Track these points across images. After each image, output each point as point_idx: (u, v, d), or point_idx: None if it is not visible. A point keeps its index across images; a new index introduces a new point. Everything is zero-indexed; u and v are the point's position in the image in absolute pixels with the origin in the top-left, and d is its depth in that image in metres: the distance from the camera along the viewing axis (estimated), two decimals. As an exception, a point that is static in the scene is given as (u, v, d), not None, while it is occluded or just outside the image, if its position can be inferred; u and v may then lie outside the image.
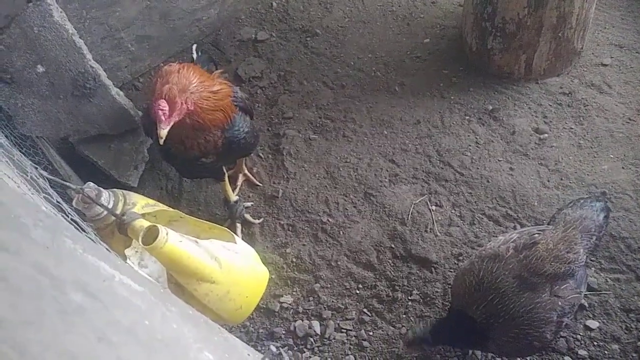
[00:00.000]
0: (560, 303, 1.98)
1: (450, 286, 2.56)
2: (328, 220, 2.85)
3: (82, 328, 0.54)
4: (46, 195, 1.56)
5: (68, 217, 1.59)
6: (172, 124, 2.14)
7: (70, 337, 0.51)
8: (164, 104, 2.10)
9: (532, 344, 1.99)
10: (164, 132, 2.12)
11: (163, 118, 2.11)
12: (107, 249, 1.55)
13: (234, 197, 2.85)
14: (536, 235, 2.09)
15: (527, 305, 1.95)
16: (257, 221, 2.89)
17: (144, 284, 0.93)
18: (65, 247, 0.72)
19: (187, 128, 2.28)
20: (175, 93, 2.13)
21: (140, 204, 2.15)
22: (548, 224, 2.24)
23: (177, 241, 1.87)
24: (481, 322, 2.01)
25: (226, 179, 2.81)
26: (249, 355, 1.33)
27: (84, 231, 1.66)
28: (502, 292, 1.98)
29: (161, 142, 2.15)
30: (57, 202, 1.58)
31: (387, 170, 2.97)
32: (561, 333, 2.29)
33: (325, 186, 2.97)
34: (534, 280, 1.98)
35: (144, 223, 1.89)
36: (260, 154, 3.14)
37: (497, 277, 2.01)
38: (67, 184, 1.75)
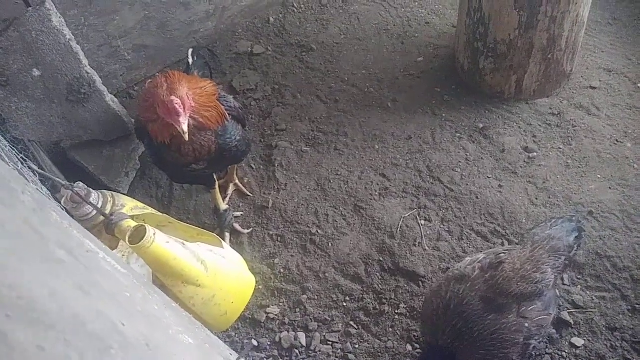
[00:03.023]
0: (527, 325, 1.94)
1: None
2: (317, 231, 2.85)
3: (64, 277, 0.55)
4: (37, 188, 1.56)
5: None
6: (188, 118, 2.19)
7: (52, 279, 0.52)
8: (177, 99, 2.14)
9: None
10: (185, 126, 2.15)
11: (181, 111, 2.14)
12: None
13: (224, 206, 2.86)
14: (502, 254, 2.07)
15: (492, 327, 1.91)
16: (246, 231, 2.89)
17: (129, 270, 0.93)
18: (52, 218, 0.73)
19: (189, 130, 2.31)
20: (180, 89, 2.19)
21: (129, 206, 2.15)
22: (517, 244, 2.24)
23: (163, 242, 1.87)
24: (447, 346, 1.96)
25: (217, 187, 2.82)
26: (231, 355, 1.33)
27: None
28: (467, 314, 1.94)
29: (186, 137, 2.17)
30: (47, 194, 1.58)
31: (378, 184, 2.99)
32: (534, 353, 2.25)
33: (316, 198, 2.98)
34: (501, 301, 1.94)
35: (131, 223, 1.89)
36: (252, 165, 3.15)
37: (463, 298, 1.97)
38: (57, 179, 1.75)
